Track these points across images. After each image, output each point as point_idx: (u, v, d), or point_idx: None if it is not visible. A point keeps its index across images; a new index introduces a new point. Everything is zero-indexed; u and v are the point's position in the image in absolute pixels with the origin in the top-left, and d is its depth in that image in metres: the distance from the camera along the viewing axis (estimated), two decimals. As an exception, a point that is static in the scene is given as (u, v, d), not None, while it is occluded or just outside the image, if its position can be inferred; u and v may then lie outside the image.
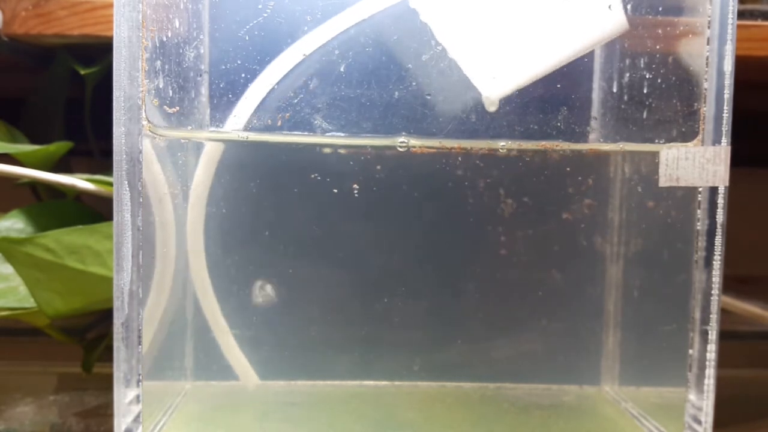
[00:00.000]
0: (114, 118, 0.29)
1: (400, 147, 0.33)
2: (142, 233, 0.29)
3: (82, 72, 0.44)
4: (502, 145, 0.33)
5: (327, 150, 0.37)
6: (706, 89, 0.31)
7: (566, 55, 0.33)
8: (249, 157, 0.37)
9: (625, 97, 0.36)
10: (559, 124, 0.34)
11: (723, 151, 0.31)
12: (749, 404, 0.44)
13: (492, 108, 0.33)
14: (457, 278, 0.38)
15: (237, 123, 0.34)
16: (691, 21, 0.32)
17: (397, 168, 0.37)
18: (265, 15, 0.33)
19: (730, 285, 0.36)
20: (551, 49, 0.32)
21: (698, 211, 0.31)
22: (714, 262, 0.31)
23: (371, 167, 0.37)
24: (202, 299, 0.37)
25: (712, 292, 0.31)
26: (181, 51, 0.33)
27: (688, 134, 0.32)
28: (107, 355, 0.32)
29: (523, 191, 0.38)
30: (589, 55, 0.36)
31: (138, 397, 0.30)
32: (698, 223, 0.31)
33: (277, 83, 0.33)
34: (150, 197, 0.31)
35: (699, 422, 0.32)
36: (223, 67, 0.34)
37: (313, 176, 0.37)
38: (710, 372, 0.31)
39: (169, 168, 0.33)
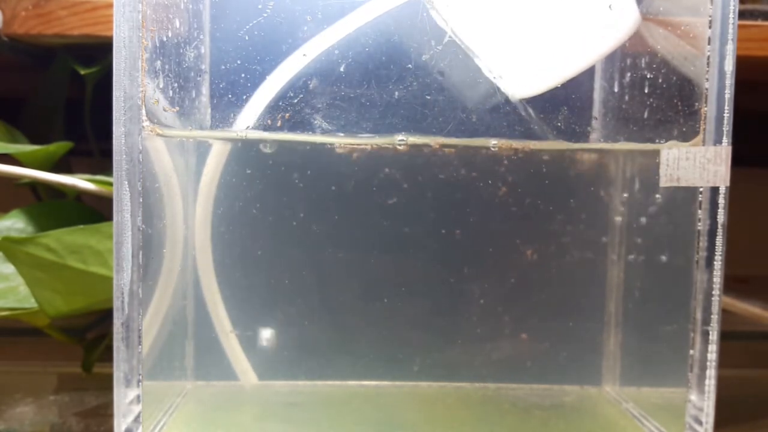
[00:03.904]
0: (114, 118, 0.29)
1: (399, 145, 0.33)
2: (142, 233, 0.29)
3: (82, 72, 0.44)
4: (501, 144, 0.33)
5: (329, 149, 0.37)
6: (707, 89, 0.31)
7: (592, 57, 0.33)
8: (253, 156, 0.37)
9: (626, 97, 0.36)
10: (559, 123, 0.34)
11: (724, 151, 0.31)
12: (749, 404, 0.44)
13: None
14: (458, 278, 0.38)
15: (238, 123, 0.34)
16: (692, 21, 0.32)
17: (397, 168, 0.37)
18: (266, 15, 0.33)
19: (730, 285, 0.36)
20: (579, 51, 0.32)
21: (699, 212, 0.31)
22: (715, 263, 0.31)
23: (372, 166, 0.37)
24: (208, 300, 0.37)
25: (713, 292, 0.31)
26: (181, 51, 0.33)
27: (688, 134, 0.32)
28: (107, 355, 0.32)
29: (523, 191, 0.38)
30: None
31: (138, 397, 0.30)
32: (699, 224, 0.31)
33: (280, 86, 0.33)
34: (157, 196, 0.31)
35: (700, 423, 0.32)
36: (224, 67, 0.34)
37: (316, 176, 0.37)
38: (711, 372, 0.31)
39: (177, 166, 0.33)
